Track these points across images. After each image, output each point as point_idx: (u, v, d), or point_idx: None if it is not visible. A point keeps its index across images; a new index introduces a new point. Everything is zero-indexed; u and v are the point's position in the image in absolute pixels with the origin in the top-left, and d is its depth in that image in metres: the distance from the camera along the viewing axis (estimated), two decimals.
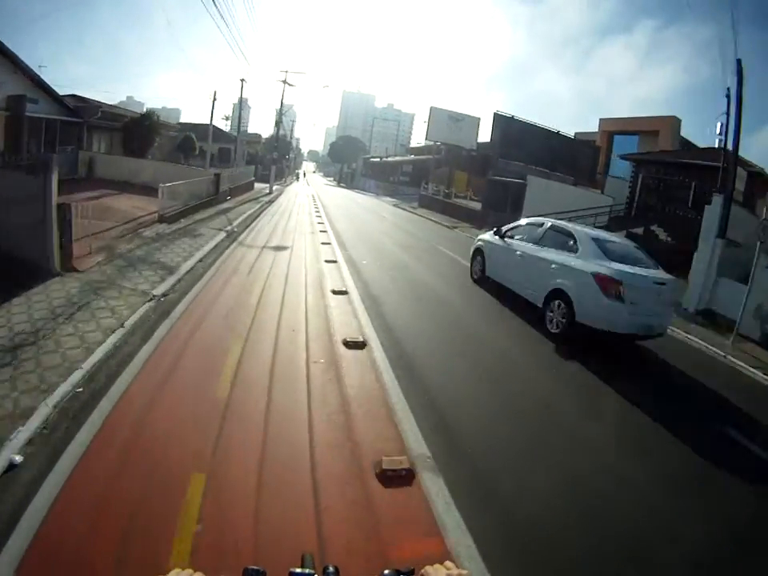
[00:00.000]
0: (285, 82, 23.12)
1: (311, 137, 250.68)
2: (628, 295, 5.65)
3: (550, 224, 7.37)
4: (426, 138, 27.95)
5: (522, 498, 2.95)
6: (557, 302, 6.23)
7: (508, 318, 6.92)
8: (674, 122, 29.15)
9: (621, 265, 5.93)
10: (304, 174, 72.90)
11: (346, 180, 56.82)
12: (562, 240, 6.80)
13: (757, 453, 4.09)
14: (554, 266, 6.53)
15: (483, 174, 28.94)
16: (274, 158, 24.50)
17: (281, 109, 23.78)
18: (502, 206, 19.11)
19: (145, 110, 25.76)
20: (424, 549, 2.40)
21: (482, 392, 4.41)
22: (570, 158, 24.27)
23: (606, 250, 6.22)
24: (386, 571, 0.81)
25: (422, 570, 0.84)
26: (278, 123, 23.91)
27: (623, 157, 24.42)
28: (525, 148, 21.55)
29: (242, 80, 26.16)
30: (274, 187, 27.62)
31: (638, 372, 5.79)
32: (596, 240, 6.43)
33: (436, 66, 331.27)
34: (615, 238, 7.13)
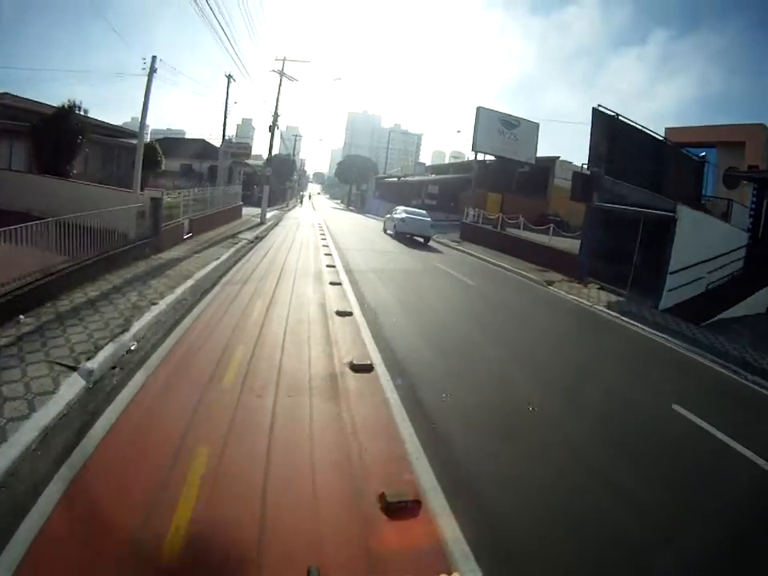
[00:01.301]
0: (281, 72, 16.72)
1: (316, 158, 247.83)
2: (407, 222, 18.39)
3: (398, 208, 20.40)
4: (472, 149, 21.32)
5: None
6: (395, 228, 19.00)
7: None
8: (762, 131, 23.11)
9: (409, 215, 18.77)
10: (309, 196, 67.25)
11: (356, 203, 50.78)
12: (397, 212, 19.47)
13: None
14: (395, 218, 19.15)
15: (536, 197, 22.60)
16: (268, 176, 17.88)
17: (276, 108, 17.37)
18: (620, 246, 12.39)
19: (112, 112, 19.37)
20: None
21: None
22: (674, 175, 17.59)
23: (407, 212, 19.07)
24: None
25: None
26: (273, 128, 17.45)
27: (738, 175, 18.15)
28: (627, 161, 14.88)
29: (229, 76, 19.89)
30: (270, 214, 21.02)
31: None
32: (405, 210, 19.52)
33: (442, 85, 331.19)
34: (414, 209, 20.52)
